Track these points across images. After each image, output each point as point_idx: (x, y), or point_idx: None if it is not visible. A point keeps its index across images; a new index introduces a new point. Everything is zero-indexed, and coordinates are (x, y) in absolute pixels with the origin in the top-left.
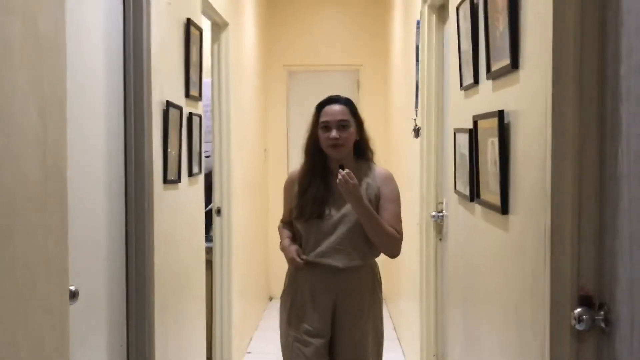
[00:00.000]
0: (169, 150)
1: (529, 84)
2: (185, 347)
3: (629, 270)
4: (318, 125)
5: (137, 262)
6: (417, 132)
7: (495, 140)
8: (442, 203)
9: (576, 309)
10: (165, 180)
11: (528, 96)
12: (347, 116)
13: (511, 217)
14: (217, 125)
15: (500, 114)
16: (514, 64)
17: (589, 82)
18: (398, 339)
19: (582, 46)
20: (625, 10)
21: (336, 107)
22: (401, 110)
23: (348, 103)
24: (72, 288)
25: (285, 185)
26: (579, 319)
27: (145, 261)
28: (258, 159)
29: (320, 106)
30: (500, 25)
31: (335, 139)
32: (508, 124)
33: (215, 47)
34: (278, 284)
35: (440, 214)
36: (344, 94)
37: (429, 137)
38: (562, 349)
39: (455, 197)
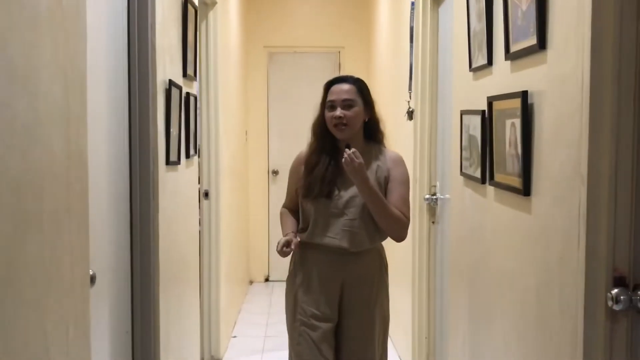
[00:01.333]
0: (171, 130)
1: (559, 64)
2: (184, 333)
3: None
4: (325, 104)
5: (142, 246)
6: (410, 114)
7: (517, 121)
8: (435, 186)
9: (611, 289)
10: (168, 162)
11: (558, 76)
12: (354, 95)
13: (534, 198)
14: (205, 107)
15: (524, 94)
16: (542, 44)
17: (627, 61)
18: None
19: (621, 25)
20: None
21: (343, 86)
22: (389, 92)
23: (357, 82)
24: (90, 272)
25: (292, 166)
26: (616, 300)
27: (150, 246)
28: (240, 141)
29: (329, 85)
30: (524, 5)
31: (339, 117)
32: (532, 105)
33: (203, 26)
34: (258, 267)
35: (434, 196)
36: (325, 75)
37: (423, 119)
38: (596, 329)
39: (461, 179)
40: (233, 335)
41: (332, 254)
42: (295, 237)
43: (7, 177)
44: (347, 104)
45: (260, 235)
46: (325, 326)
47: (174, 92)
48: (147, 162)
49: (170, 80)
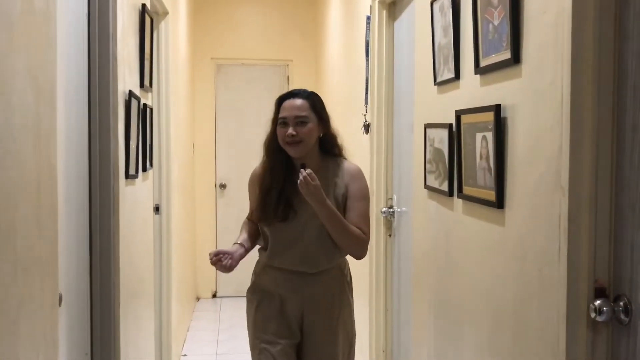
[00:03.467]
0: (130, 143)
1: (536, 78)
2: (141, 353)
3: None
4: (277, 121)
5: (102, 264)
6: (366, 128)
7: (489, 134)
8: (391, 199)
9: (593, 301)
10: (127, 175)
11: (535, 90)
12: (306, 112)
13: (508, 211)
14: (157, 119)
15: (497, 108)
16: (516, 58)
17: (606, 77)
18: None
19: (600, 41)
20: None
21: (295, 102)
22: (342, 105)
23: (310, 97)
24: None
25: (249, 182)
26: (599, 311)
27: (110, 263)
28: (188, 154)
29: (280, 100)
30: (495, 20)
31: (291, 135)
32: (505, 119)
33: (155, 36)
34: (205, 283)
35: (391, 209)
36: (274, 88)
37: (380, 132)
38: (578, 340)
39: (424, 192)
40: (183, 354)
41: (291, 274)
42: (242, 247)
43: None
44: (299, 121)
45: (207, 249)
46: (286, 342)
47: (133, 103)
48: (108, 176)
49: (130, 91)
